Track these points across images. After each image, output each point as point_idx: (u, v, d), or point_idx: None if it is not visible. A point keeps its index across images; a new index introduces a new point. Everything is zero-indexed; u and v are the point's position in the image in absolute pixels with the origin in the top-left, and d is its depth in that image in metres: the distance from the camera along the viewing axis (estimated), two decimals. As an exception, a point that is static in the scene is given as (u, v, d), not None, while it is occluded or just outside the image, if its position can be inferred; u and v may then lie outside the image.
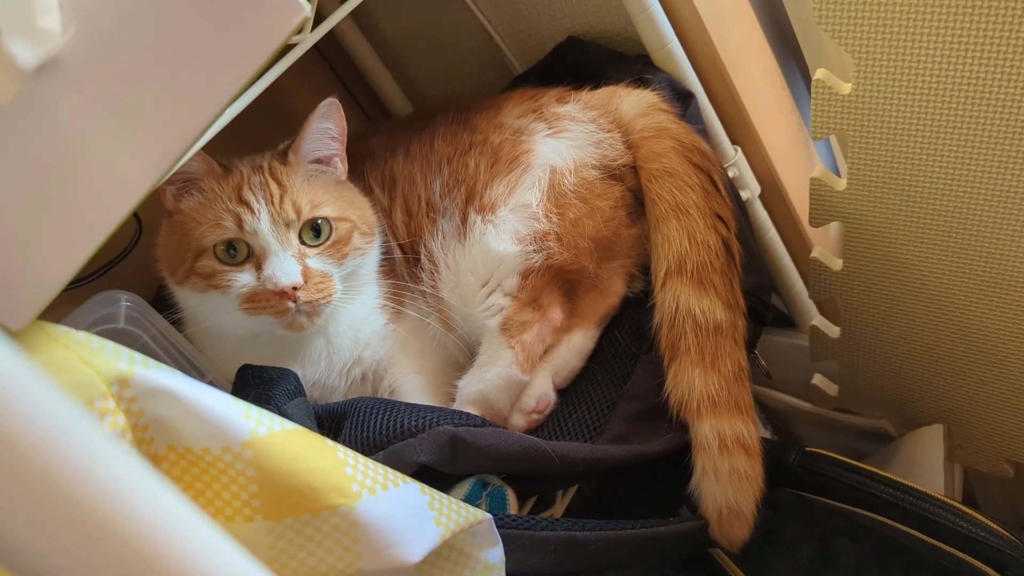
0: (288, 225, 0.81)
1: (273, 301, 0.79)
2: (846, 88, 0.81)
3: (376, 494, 0.54)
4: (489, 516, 0.62)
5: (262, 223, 0.79)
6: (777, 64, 1.08)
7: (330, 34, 1.27)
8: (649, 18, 0.94)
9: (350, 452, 0.56)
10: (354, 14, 1.26)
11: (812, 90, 0.83)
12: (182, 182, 0.82)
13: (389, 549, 0.54)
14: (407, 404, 0.78)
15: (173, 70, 0.45)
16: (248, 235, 0.79)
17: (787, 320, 1.19)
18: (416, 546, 0.55)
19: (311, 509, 0.52)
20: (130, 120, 0.45)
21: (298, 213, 0.81)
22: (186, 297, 0.84)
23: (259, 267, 0.80)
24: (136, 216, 0.90)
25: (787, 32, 1.09)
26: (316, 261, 0.82)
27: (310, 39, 0.66)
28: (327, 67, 1.32)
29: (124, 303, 0.83)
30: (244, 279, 0.80)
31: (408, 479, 0.59)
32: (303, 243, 0.82)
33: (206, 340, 0.89)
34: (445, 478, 0.74)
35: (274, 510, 0.51)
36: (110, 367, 0.47)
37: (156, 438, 0.50)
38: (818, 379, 1.14)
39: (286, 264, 0.79)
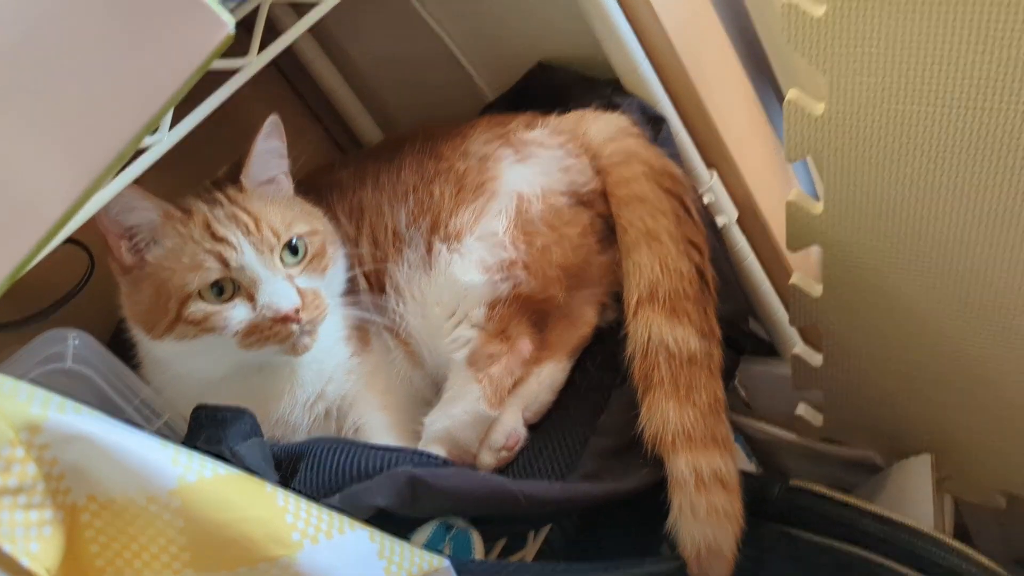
0: (271, 250, 0.79)
1: (276, 328, 0.77)
2: (819, 108, 0.79)
3: (319, 543, 0.51)
4: (447, 563, 0.59)
5: (247, 256, 0.77)
6: (751, 86, 1.06)
7: (299, 63, 1.26)
8: (618, 42, 0.92)
9: (291, 497, 0.53)
10: (322, 42, 1.24)
11: (784, 111, 0.80)
12: (136, 235, 0.78)
13: (333, 603, 0.50)
14: (366, 444, 0.74)
15: (84, 89, 0.42)
16: (235, 271, 0.77)
17: (769, 348, 1.16)
18: (363, 599, 0.51)
19: (247, 561, 0.48)
20: (38, 142, 0.42)
21: (277, 236, 0.80)
22: (167, 349, 0.81)
23: (251, 298, 0.78)
24: (88, 251, 0.87)
25: (760, 55, 1.07)
26: (303, 280, 0.81)
27: (257, 61, 0.64)
28: (296, 96, 1.30)
29: (72, 341, 0.80)
30: (240, 314, 0.78)
31: (356, 525, 0.55)
32: (285, 264, 0.81)
33: (165, 381, 0.85)
34: (406, 522, 0.70)
35: (206, 564, 0.47)
36: (20, 412, 0.44)
37: (74, 488, 0.46)
38: (802, 409, 1.11)
39: (281, 289, 0.78)
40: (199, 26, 0.41)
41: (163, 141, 0.59)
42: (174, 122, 0.60)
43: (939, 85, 0.72)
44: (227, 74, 0.64)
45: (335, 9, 1.20)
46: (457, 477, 0.69)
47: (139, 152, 0.59)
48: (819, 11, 0.73)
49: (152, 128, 0.49)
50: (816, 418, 1.10)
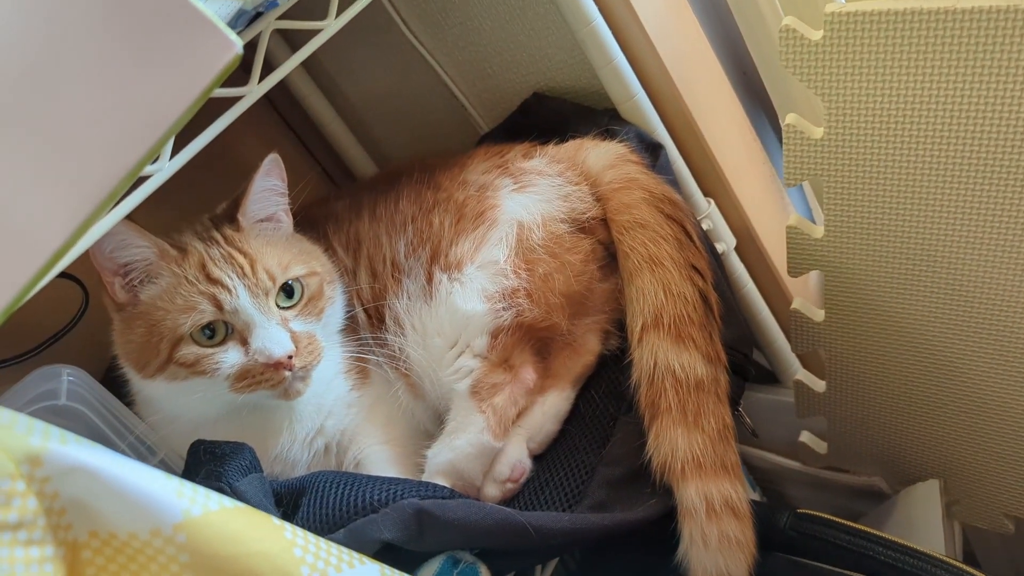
0: (267, 294, 0.78)
1: (268, 374, 0.76)
2: (818, 133, 0.79)
3: (328, 578, 0.49)
4: (458, 597, 0.57)
5: (241, 299, 0.76)
6: (746, 115, 1.07)
7: (293, 99, 1.26)
8: (614, 70, 0.92)
9: (300, 531, 0.51)
10: (317, 78, 1.24)
11: (783, 135, 0.81)
12: (131, 272, 0.77)
13: (344, 640, 0.48)
14: (369, 477, 0.72)
15: (85, 114, 0.41)
16: (228, 314, 0.76)
17: (771, 376, 1.15)
18: (375, 636, 0.49)
19: (254, 598, 0.46)
20: (36, 169, 0.41)
21: (272, 279, 0.78)
22: (159, 388, 0.79)
23: (244, 342, 0.77)
24: (82, 286, 0.86)
25: (754, 82, 1.08)
26: (298, 323, 0.80)
27: (257, 90, 0.63)
28: (290, 132, 1.29)
29: (66, 377, 0.78)
30: (232, 358, 0.76)
31: (366, 559, 0.54)
32: (279, 308, 0.79)
33: (159, 420, 0.84)
34: (412, 556, 0.68)
35: (212, 601, 0.46)
36: (19, 444, 0.42)
37: (75, 523, 0.44)
38: (806, 436, 1.10)
39: (275, 335, 0.76)
40: (206, 47, 0.41)
41: (163, 170, 0.59)
42: (174, 151, 0.59)
43: (937, 108, 0.72)
44: (227, 103, 0.64)
45: (329, 44, 1.21)
46: (464, 509, 0.67)
47: (139, 180, 0.59)
48: (816, 35, 0.73)
49: (155, 155, 0.48)
50: (820, 446, 1.09)
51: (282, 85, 1.25)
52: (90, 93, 0.42)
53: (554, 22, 0.98)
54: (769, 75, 1.01)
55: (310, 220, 0.94)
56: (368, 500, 0.67)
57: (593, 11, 0.89)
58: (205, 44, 0.41)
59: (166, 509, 0.45)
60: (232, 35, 0.42)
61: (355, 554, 0.53)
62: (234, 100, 0.63)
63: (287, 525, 0.51)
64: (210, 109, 0.63)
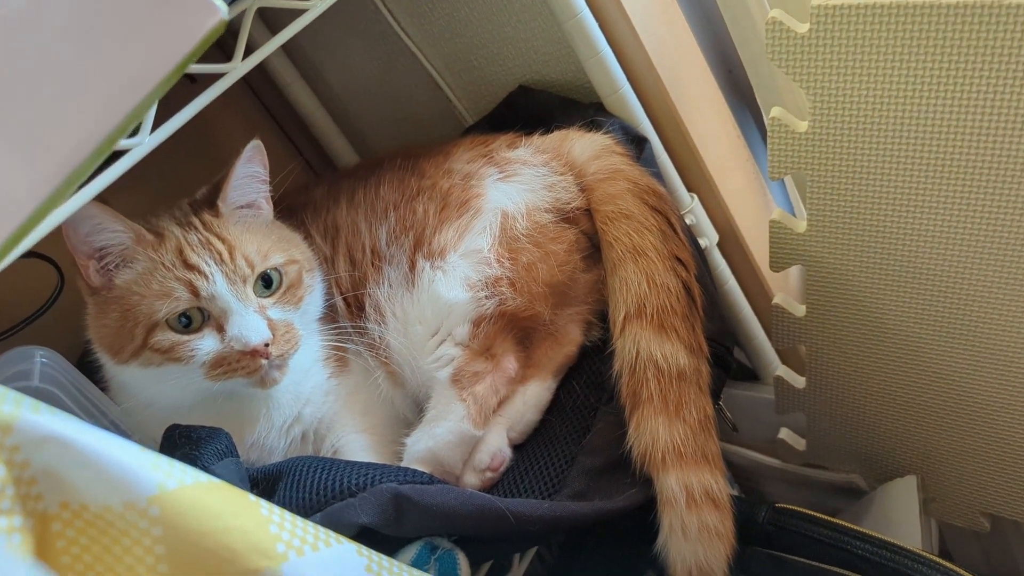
0: (244, 281, 0.77)
1: (244, 362, 0.75)
2: (802, 126, 0.80)
3: (304, 555, 0.48)
4: (436, 581, 0.56)
5: (218, 286, 0.75)
6: (731, 112, 1.07)
7: (277, 89, 1.25)
8: (600, 62, 0.92)
9: (276, 509, 0.50)
10: (302, 68, 1.23)
11: (768, 128, 0.81)
12: (106, 256, 0.75)
13: (319, 619, 0.47)
14: (348, 462, 0.72)
15: (58, 78, 0.39)
16: (205, 301, 0.75)
17: (751, 374, 1.15)
18: (351, 615, 0.49)
19: (229, 574, 0.46)
20: (6, 134, 0.39)
21: (251, 267, 0.77)
22: (133, 374, 0.78)
23: (220, 329, 0.75)
24: (58, 268, 0.84)
25: (740, 81, 1.09)
26: (276, 311, 0.79)
27: (241, 67, 0.62)
28: (273, 122, 1.28)
29: (39, 359, 0.76)
30: (208, 345, 0.75)
31: (344, 539, 0.53)
32: (258, 296, 0.78)
33: (133, 406, 0.82)
34: (389, 541, 0.67)
35: (186, 575, 0.45)
36: (-10, 410, 0.41)
37: (46, 494, 0.43)
38: (785, 433, 1.10)
39: (252, 322, 0.75)
40: (189, 11, 0.40)
41: (143, 145, 0.57)
42: (155, 126, 0.58)
43: (922, 103, 0.73)
44: (210, 80, 0.63)
45: (315, 33, 1.20)
46: (443, 494, 0.67)
47: (117, 155, 0.58)
48: (803, 28, 0.74)
49: (133, 123, 0.47)
50: (799, 443, 1.09)
51: (266, 75, 1.25)
52: (64, 56, 0.41)
53: (541, 14, 0.98)
54: (755, 70, 1.02)
55: (289, 208, 0.93)
56: (346, 484, 0.66)
57: (580, 3, 0.89)
58: (189, 8, 0.40)
59: (141, 481, 0.44)
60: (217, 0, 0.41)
61: (332, 533, 0.52)
62: (217, 77, 0.62)
63: (263, 502, 0.50)
64: (193, 89, 0.63)
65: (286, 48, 1.22)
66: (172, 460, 0.47)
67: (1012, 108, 0.69)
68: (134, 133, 0.57)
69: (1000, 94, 0.69)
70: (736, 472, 1.18)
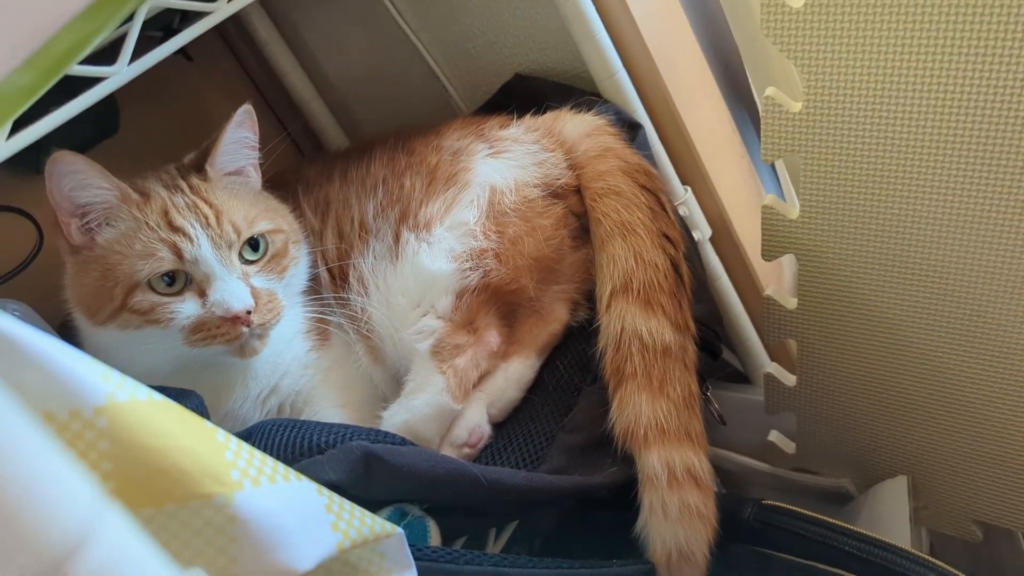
0: (230, 246, 0.75)
1: (224, 328, 0.73)
2: (796, 107, 0.79)
3: (261, 486, 0.46)
4: (400, 531, 0.54)
5: (203, 249, 0.73)
6: (726, 106, 1.06)
7: (274, 76, 1.25)
8: (596, 45, 0.91)
9: (233, 438, 0.48)
10: (299, 55, 1.23)
11: (761, 109, 0.80)
12: (88, 214, 0.74)
13: (272, 553, 0.45)
14: (319, 423, 0.69)
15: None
16: (188, 263, 0.73)
17: (741, 376, 1.13)
18: (306, 552, 0.46)
19: (178, 497, 0.43)
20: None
21: (238, 232, 0.76)
22: (109, 336, 0.76)
23: (202, 294, 0.74)
24: (37, 225, 0.83)
25: (736, 76, 1.08)
26: (259, 280, 0.77)
27: (226, 8, 0.61)
28: (269, 110, 1.28)
29: (12, 312, 0.75)
30: (188, 309, 0.73)
31: (303, 477, 0.51)
32: (243, 262, 0.77)
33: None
34: (356, 504, 0.65)
35: (131, 496, 0.42)
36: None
37: (-13, 396, 0.41)
38: (774, 436, 1.07)
39: (234, 288, 0.74)
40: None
41: (120, 74, 0.56)
42: (134, 57, 0.57)
43: (918, 83, 0.72)
44: (195, 18, 0.62)
45: (314, 20, 1.20)
46: (415, 455, 0.64)
47: (94, 82, 0.57)
48: (798, 3, 0.73)
49: (88, 39, 0.45)
50: (788, 445, 1.07)
51: (265, 64, 1.24)
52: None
53: (538, 1, 0.98)
54: (750, 55, 1.01)
55: (282, 185, 0.92)
56: (315, 442, 0.64)
57: (577, -16, 0.89)
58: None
59: (88, 390, 0.42)
60: None
61: (292, 471, 0.50)
62: (204, 14, 0.61)
63: (221, 430, 0.48)
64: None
65: (285, 35, 1.22)
66: (125, 376, 0.45)
67: (1013, 87, 0.68)
68: (112, 61, 0.56)
69: (1000, 73, 0.68)
70: (724, 477, 1.15)
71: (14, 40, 0.41)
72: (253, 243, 0.78)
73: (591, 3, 0.90)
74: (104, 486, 0.42)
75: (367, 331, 0.84)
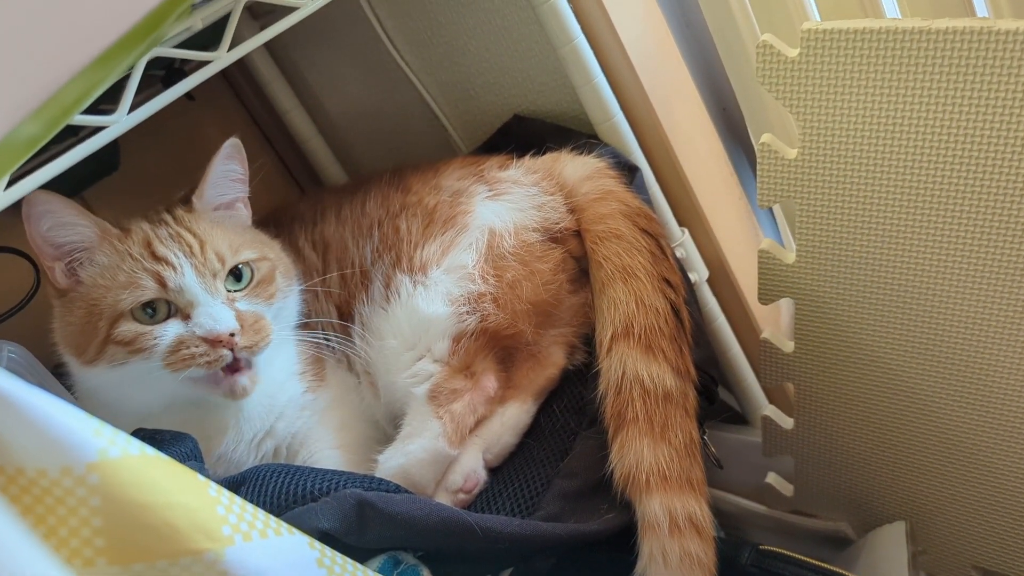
0: (214, 275, 0.75)
1: (203, 348, 0.72)
2: (792, 153, 0.79)
3: (252, 541, 0.45)
4: (395, 585, 0.53)
5: (187, 277, 0.73)
6: (724, 149, 1.07)
7: (274, 113, 1.26)
8: (594, 90, 0.92)
9: (226, 492, 0.47)
10: (299, 93, 1.24)
11: (758, 155, 0.80)
12: (71, 255, 0.74)
13: (263, 609, 0.44)
14: (313, 468, 0.69)
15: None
16: (172, 292, 0.73)
17: (739, 417, 1.13)
18: (298, 608, 0.46)
19: (169, 553, 0.43)
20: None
21: (222, 261, 0.76)
22: (100, 376, 0.75)
23: (187, 318, 0.73)
24: (35, 266, 0.82)
25: (734, 120, 1.09)
26: (245, 303, 0.77)
27: (226, 57, 0.62)
28: (270, 148, 1.29)
29: (7, 353, 0.75)
30: (171, 330, 0.72)
31: (295, 530, 0.50)
32: (228, 291, 0.76)
33: (100, 415, 0.80)
34: (351, 552, 0.64)
35: (122, 552, 0.42)
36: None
37: (-20, 453, 0.41)
38: (772, 478, 1.07)
39: (218, 311, 0.73)
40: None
41: (120, 123, 0.57)
42: (134, 107, 0.58)
43: (912, 129, 0.72)
44: (196, 66, 0.63)
45: (314, 59, 1.21)
46: (409, 503, 0.64)
47: (95, 132, 0.57)
48: (793, 52, 0.74)
49: (92, 91, 0.45)
50: (786, 487, 1.06)
51: (265, 101, 1.25)
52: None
53: (537, 43, 0.99)
54: (746, 100, 1.02)
55: (275, 221, 0.92)
56: (308, 489, 0.64)
57: (575, 29, 0.90)
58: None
59: (80, 446, 0.41)
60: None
61: (284, 524, 0.49)
62: (205, 62, 0.61)
63: (213, 483, 0.47)
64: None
65: (286, 74, 1.23)
66: (118, 430, 0.44)
67: (1005, 134, 0.68)
68: (113, 111, 0.56)
69: (993, 120, 0.68)
70: (721, 519, 1.14)
71: (25, 91, 0.41)
72: (238, 273, 0.78)
73: (589, 48, 0.91)
74: (94, 542, 0.42)
75: (368, 369, 0.84)
